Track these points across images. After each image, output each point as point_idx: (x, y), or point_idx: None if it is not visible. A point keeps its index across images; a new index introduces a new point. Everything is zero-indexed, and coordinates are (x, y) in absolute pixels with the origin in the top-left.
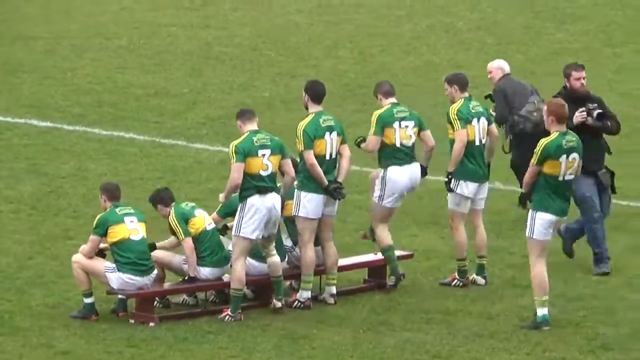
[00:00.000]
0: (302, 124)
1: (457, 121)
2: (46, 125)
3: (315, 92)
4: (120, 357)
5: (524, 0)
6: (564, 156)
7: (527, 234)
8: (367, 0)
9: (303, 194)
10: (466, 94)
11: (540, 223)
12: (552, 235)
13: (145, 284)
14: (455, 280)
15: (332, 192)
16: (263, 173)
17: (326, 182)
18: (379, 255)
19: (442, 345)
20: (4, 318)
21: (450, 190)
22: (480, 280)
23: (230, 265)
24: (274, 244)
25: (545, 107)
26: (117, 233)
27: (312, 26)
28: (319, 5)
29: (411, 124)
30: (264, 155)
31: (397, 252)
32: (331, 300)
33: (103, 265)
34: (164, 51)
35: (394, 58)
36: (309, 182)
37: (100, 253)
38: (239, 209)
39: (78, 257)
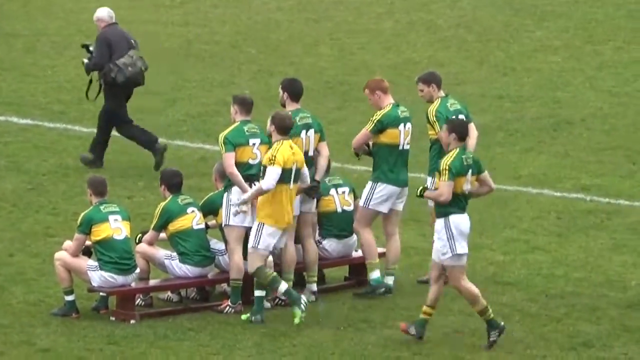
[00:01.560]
0: None
1: (437, 123)
2: (26, 123)
3: (294, 90)
4: (100, 355)
5: None
6: (402, 125)
7: (361, 203)
8: None
9: None
10: (442, 93)
11: (380, 194)
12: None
13: (126, 283)
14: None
15: (308, 190)
16: (252, 162)
17: None
18: (360, 253)
19: (422, 342)
20: None
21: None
22: None
23: (215, 265)
24: None
25: (366, 89)
26: (100, 232)
27: (292, 23)
28: (299, 2)
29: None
30: (254, 144)
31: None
32: (312, 298)
33: (86, 263)
34: (143, 48)
35: (374, 55)
36: None
37: (87, 251)
38: (224, 199)
39: (61, 255)
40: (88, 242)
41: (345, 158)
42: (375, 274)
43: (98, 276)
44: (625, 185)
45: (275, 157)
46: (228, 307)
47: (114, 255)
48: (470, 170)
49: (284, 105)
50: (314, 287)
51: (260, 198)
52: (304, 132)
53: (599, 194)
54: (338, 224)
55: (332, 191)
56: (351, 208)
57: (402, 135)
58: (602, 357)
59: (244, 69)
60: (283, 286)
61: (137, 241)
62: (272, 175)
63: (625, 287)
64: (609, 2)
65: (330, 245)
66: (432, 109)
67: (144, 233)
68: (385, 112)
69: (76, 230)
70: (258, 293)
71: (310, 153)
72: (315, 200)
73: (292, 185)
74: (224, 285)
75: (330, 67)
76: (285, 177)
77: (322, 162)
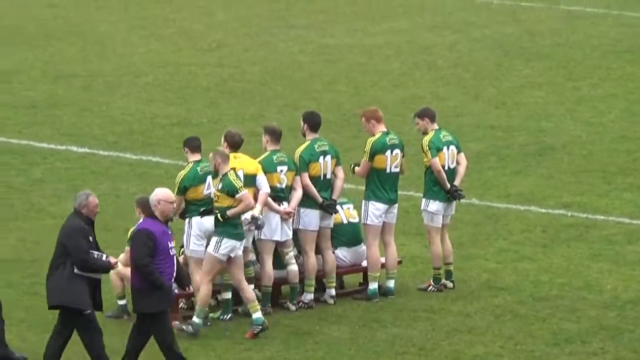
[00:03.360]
0: (299, 150)
1: (429, 151)
2: (84, 151)
3: (313, 122)
4: (149, 351)
5: (495, 41)
6: (389, 151)
7: (362, 221)
8: (360, 42)
9: (302, 209)
10: (436, 126)
11: (373, 211)
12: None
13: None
14: (431, 287)
15: (326, 207)
16: (279, 185)
17: (320, 199)
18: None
19: (427, 339)
20: (49, 318)
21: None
22: (449, 284)
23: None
24: (292, 252)
25: (362, 118)
26: None
27: (313, 64)
28: (319, 46)
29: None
30: (281, 170)
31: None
32: (331, 301)
33: None
34: (185, 86)
35: (385, 91)
36: (306, 199)
37: None
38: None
39: None
40: None
41: (359, 180)
42: (373, 285)
43: None
44: (602, 202)
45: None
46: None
47: None
48: None
49: (304, 135)
50: (333, 291)
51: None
52: (321, 157)
53: (578, 210)
54: (345, 234)
55: (338, 207)
56: (356, 220)
57: (389, 160)
58: (582, 351)
59: (272, 104)
60: (226, 294)
61: (178, 254)
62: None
63: (602, 291)
64: (586, 44)
65: (343, 253)
66: (426, 139)
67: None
68: (373, 140)
69: (127, 244)
70: (225, 295)
71: (328, 176)
72: (332, 216)
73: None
74: (256, 290)
75: (347, 102)
76: None
77: (339, 183)
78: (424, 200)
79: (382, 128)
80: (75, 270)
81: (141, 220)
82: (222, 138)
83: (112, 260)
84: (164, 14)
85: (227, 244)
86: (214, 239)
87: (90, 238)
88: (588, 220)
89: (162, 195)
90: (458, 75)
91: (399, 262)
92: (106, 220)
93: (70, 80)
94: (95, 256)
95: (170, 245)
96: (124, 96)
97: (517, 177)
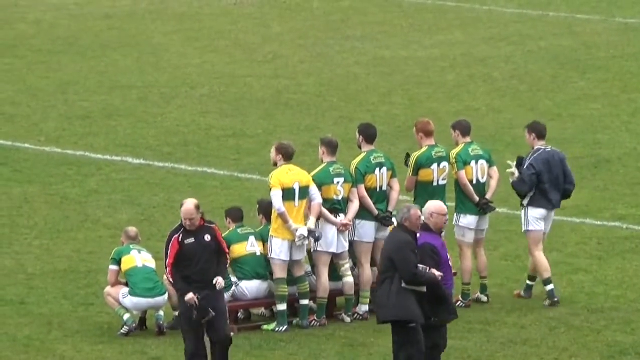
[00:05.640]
0: (355, 162)
1: (456, 164)
2: (140, 163)
3: (369, 134)
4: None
5: (551, 53)
6: (435, 165)
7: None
8: (416, 54)
9: (357, 221)
10: (468, 139)
11: None
12: None
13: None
14: (459, 302)
15: (382, 220)
16: (336, 198)
17: (376, 212)
18: None
19: (482, 351)
20: (104, 328)
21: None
22: (483, 298)
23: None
24: (348, 264)
25: (414, 128)
26: None
27: (368, 76)
28: (375, 58)
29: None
30: (338, 182)
31: None
32: None
33: None
34: (240, 98)
35: (440, 103)
36: (362, 211)
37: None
38: (314, 227)
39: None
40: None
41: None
42: None
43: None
44: None
45: (270, 182)
46: (314, 321)
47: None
48: None
49: (360, 147)
50: None
51: (273, 215)
52: (377, 169)
53: (634, 223)
54: None
55: (393, 219)
56: None
57: (436, 174)
58: None
59: (327, 116)
60: (281, 306)
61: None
62: (275, 198)
63: None
64: None
65: None
66: (454, 152)
67: None
68: (418, 155)
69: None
70: (280, 307)
71: (384, 188)
72: (388, 228)
73: (297, 203)
74: (311, 302)
75: (402, 114)
76: (288, 195)
77: (395, 196)
78: (455, 214)
79: (430, 142)
80: (403, 285)
81: (419, 235)
82: (274, 150)
83: (437, 273)
84: (219, 26)
85: None
86: None
87: (416, 252)
88: None
89: (435, 208)
90: (513, 88)
91: (454, 275)
92: (162, 231)
93: (125, 92)
94: (421, 269)
95: (449, 257)
96: (179, 107)
97: None
